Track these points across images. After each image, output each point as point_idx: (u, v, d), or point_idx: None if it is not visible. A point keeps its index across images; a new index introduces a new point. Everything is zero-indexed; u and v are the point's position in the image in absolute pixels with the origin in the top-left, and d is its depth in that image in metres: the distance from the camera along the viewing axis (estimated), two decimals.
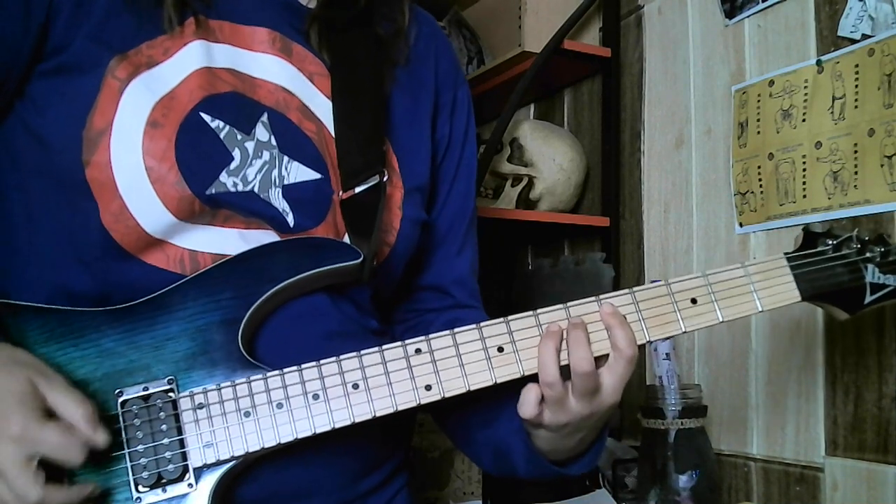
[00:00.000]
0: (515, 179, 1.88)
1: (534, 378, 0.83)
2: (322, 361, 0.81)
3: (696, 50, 1.68)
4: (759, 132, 1.51)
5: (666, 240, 1.74)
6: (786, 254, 0.90)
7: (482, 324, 0.84)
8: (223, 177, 0.83)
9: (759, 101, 1.52)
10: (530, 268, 2.15)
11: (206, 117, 0.84)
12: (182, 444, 0.78)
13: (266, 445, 0.79)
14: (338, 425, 0.80)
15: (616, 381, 0.83)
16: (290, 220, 0.87)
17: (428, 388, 0.82)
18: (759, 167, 1.51)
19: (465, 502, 1.55)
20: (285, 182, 0.87)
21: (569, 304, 0.85)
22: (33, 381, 0.72)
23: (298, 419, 0.79)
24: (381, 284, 0.95)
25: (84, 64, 0.82)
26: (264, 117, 0.88)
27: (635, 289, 0.86)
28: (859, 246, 0.91)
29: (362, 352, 0.82)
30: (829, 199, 1.38)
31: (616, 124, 1.85)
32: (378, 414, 0.81)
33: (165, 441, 0.78)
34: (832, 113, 1.38)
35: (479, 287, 1.07)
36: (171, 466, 0.77)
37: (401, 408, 0.81)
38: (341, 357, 0.81)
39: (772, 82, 1.49)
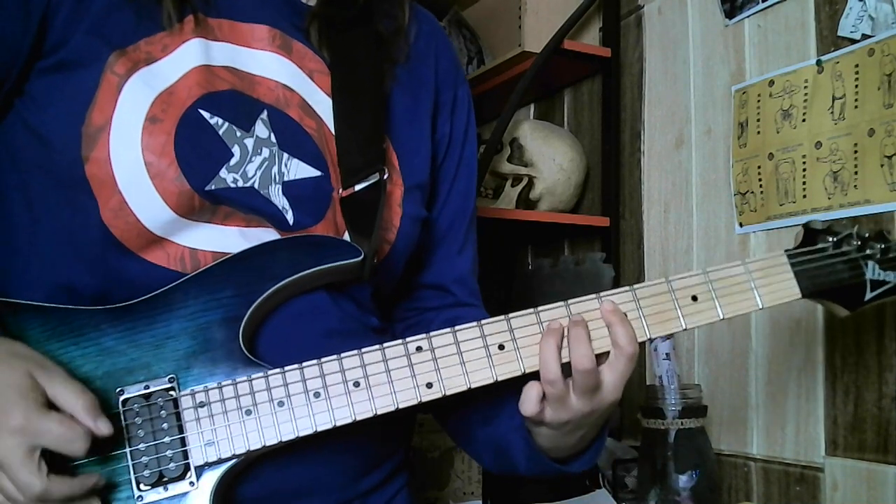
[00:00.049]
0: (515, 179, 1.88)
1: (534, 376, 0.83)
2: (323, 359, 0.81)
3: (696, 50, 1.68)
4: (759, 132, 1.51)
5: (666, 240, 1.74)
6: (786, 251, 0.91)
7: (483, 321, 0.84)
8: (223, 173, 0.84)
9: (759, 101, 1.52)
10: (530, 268, 2.15)
11: (205, 114, 0.84)
12: (183, 442, 0.78)
13: (267, 443, 0.79)
14: (339, 423, 0.80)
15: (617, 379, 0.83)
16: (290, 217, 0.87)
17: (429, 385, 0.82)
18: (759, 167, 1.51)
19: (465, 502, 1.55)
20: (285, 179, 0.87)
21: (570, 301, 0.85)
22: (33, 374, 0.72)
23: (300, 417, 0.79)
24: (382, 282, 0.95)
25: (83, 59, 0.82)
26: (264, 114, 0.88)
27: (636, 286, 0.86)
28: (859, 243, 0.91)
29: (363, 350, 0.82)
30: (829, 199, 1.38)
31: (616, 124, 1.85)
32: (379, 412, 0.81)
33: (167, 439, 0.78)
34: (832, 113, 1.38)
35: (479, 286, 1.07)
36: (172, 465, 0.77)
37: (402, 405, 0.81)
38: (342, 355, 0.81)
39: (772, 82, 1.49)
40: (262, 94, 0.88)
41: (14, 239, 0.85)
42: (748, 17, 1.55)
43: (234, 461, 0.79)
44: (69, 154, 0.81)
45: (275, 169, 0.87)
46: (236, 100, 0.86)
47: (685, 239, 1.69)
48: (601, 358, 0.83)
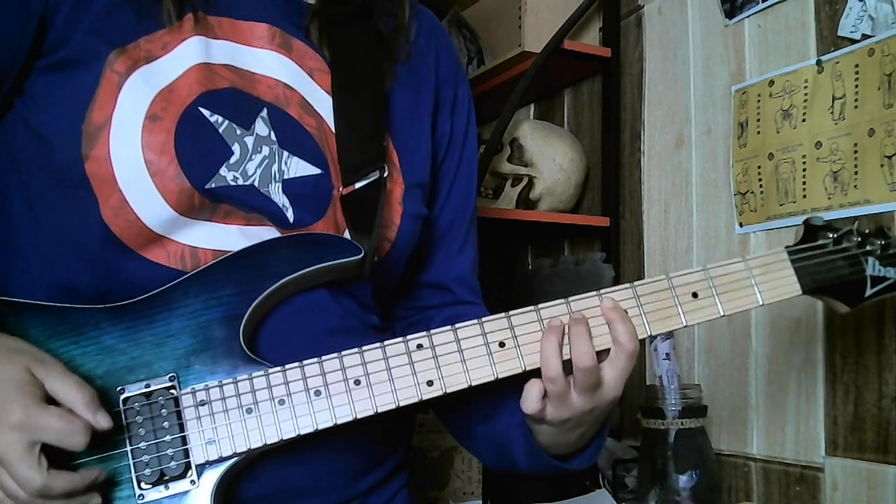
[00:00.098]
0: (515, 179, 1.88)
1: (535, 373, 0.83)
2: (323, 357, 0.81)
3: (696, 50, 1.68)
4: (759, 132, 1.51)
5: (666, 240, 1.74)
6: (786, 247, 0.91)
7: (484, 319, 0.84)
8: (223, 171, 0.84)
9: (759, 101, 1.52)
10: (530, 268, 2.15)
11: (205, 112, 0.84)
12: (184, 440, 0.78)
13: (268, 442, 0.79)
14: (340, 421, 0.80)
15: (617, 376, 0.83)
16: (290, 215, 0.87)
17: (430, 383, 0.82)
18: (759, 167, 1.51)
19: (465, 502, 1.55)
20: (285, 177, 0.87)
21: (570, 298, 0.85)
22: (31, 369, 0.72)
23: (300, 415, 0.79)
24: (383, 280, 0.95)
25: (83, 58, 0.82)
26: (264, 112, 0.88)
27: (636, 283, 0.86)
28: (860, 239, 0.91)
29: (364, 347, 0.82)
30: (829, 199, 1.38)
31: (616, 124, 1.85)
32: (380, 409, 0.81)
33: (167, 438, 0.78)
34: (832, 113, 1.38)
35: (479, 284, 1.07)
36: (173, 463, 0.77)
37: (402, 403, 0.81)
38: (343, 353, 0.81)
39: (772, 82, 1.49)
40: (261, 92, 0.88)
41: (14, 238, 0.85)
42: (748, 17, 1.55)
43: (234, 460, 0.79)
44: (69, 153, 0.81)
45: (275, 167, 0.87)
46: (236, 98, 0.86)
47: (685, 239, 1.69)
48: (602, 355, 0.83)
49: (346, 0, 0.96)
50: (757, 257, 0.89)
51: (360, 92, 0.93)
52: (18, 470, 0.69)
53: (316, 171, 0.89)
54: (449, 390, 0.82)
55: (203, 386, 0.79)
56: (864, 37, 1.33)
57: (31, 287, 0.83)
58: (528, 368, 0.83)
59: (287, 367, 0.80)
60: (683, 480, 1.39)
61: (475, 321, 0.84)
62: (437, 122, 1.03)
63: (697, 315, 0.86)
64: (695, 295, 0.87)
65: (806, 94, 1.43)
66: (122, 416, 0.77)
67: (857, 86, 1.34)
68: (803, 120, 1.43)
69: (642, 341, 0.85)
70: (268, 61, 0.90)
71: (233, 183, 0.84)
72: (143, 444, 0.77)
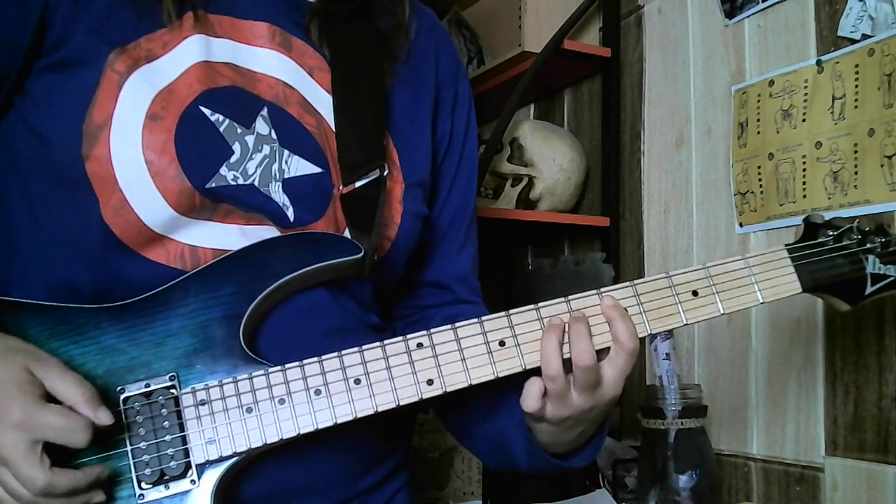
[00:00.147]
0: (515, 179, 1.88)
1: (535, 372, 0.83)
2: (323, 357, 0.81)
3: (696, 50, 1.68)
4: (759, 132, 1.51)
5: (666, 240, 1.74)
6: (786, 245, 0.91)
7: (483, 318, 0.84)
8: (223, 170, 0.83)
9: (759, 101, 1.52)
10: (530, 268, 2.15)
11: (206, 111, 0.84)
12: (184, 440, 0.78)
13: (268, 441, 0.79)
14: (340, 420, 0.80)
15: (617, 374, 0.83)
16: (291, 214, 0.87)
17: (430, 382, 0.82)
18: (759, 167, 1.51)
19: (465, 502, 1.55)
20: (286, 176, 0.87)
21: (570, 297, 0.85)
22: (29, 367, 0.72)
23: (300, 415, 0.79)
24: (383, 279, 0.95)
25: (84, 58, 0.82)
26: (264, 111, 0.88)
27: (636, 282, 0.86)
28: (860, 237, 0.91)
29: (364, 347, 0.82)
30: (829, 199, 1.38)
31: (616, 124, 1.85)
32: (380, 409, 0.80)
33: (167, 438, 0.78)
34: (832, 113, 1.38)
35: (479, 284, 1.07)
36: (173, 463, 0.77)
37: (403, 402, 0.81)
38: (343, 352, 0.81)
39: (772, 82, 1.49)
40: (262, 90, 0.88)
41: (14, 238, 0.85)
42: (748, 17, 1.55)
43: (235, 459, 0.79)
44: (70, 153, 0.81)
45: (275, 166, 0.87)
46: (237, 96, 0.86)
47: (685, 239, 1.69)
48: (602, 354, 0.83)
49: None
50: (757, 255, 0.89)
51: (360, 91, 0.93)
52: (21, 469, 0.69)
53: (316, 169, 0.89)
54: (449, 389, 0.82)
55: (203, 385, 0.79)
56: (864, 37, 1.33)
57: (31, 287, 0.83)
58: (528, 367, 0.83)
59: (287, 366, 0.80)
60: (683, 480, 1.39)
61: (475, 320, 0.84)
62: (438, 121, 1.03)
63: (697, 313, 0.86)
64: (695, 293, 0.87)
65: (806, 94, 1.43)
66: (122, 415, 0.77)
67: (857, 86, 1.34)
68: (803, 120, 1.43)
69: (642, 340, 0.85)
70: (268, 60, 0.90)
71: (233, 182, 0.84)
72: (143, 444, 0.77)
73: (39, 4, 0.81)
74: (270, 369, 0.80)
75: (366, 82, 0.94)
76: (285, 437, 0.79)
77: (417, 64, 1.01)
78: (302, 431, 0.79)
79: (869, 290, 0.91)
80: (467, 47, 2.10)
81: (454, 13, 2.14)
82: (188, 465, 0.77)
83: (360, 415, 0.80)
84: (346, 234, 0.89)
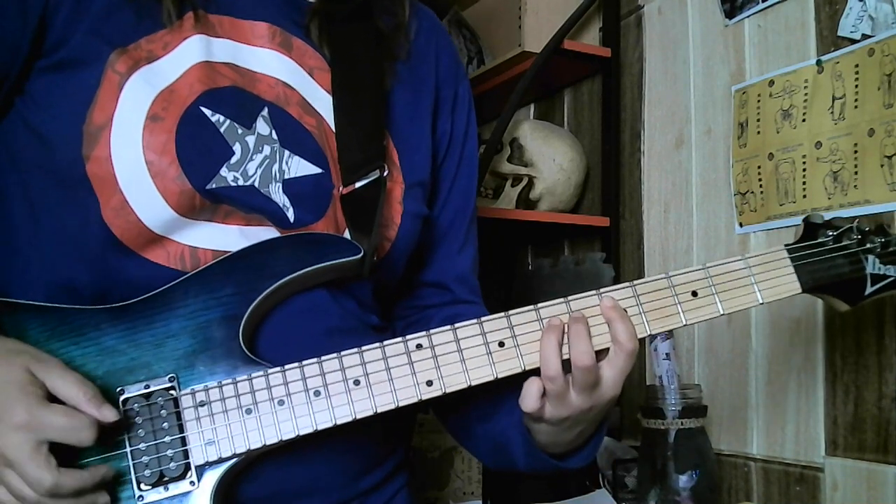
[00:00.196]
0: (515, 179, 1.88)
1: (534, 372, 0.83)
2: (323, 358, 0.81)
3: (696, 50, 1.68)
4: (759, 132, 1.51)
5: (666, 240, 1.74)
6: (786, 245, 0.91)
7: (483, 319, 0.84)
8: (224, 171, 0.83)
9: (759, 101, 1.52)
10: (530, 268, 2.15)
11: (207, 111, 0.84)
12: (184, 441, 0.78)
13: (268, 442, 0.79)
14: (339, 421, 0.80)
15: (616, 375, 0.83)
16: (291, 215, 0.87)
17: (429, 383, 0.82)
18: (759, 167, 1.51)
19: (465, 502, 1.55)
20: (286, 176, 0.87)
21: (569, 298, 0.85)
22: (30, 368, 0.72)
23: (300, 416, 0.79)
24: (383, 279, 0.95)
25: (84, 58, 0.82)
26: (265, 112, 0.88)
27: (636, 282, 0.86)
28: (860, 237, 0.91)
29: (363, 347, 0.82)
30: (829, 199, 1.38)
31: (616, 124, 1.85)
32: (379, 410, 0.80)
33: (167, 439, 0.78)
34: (832, 113, 1.38)
35: (479, 284, 1.07)
36: (172, 464, 0.77)
37: (402, 403, 0.81)
38: (342, 353, 0.81)
39: (772, 82, 1.49)
40: (262, 91, 0.88)
41: (14, 239, 0.85)
42: (748, 17, 1.55)
43: (234, 460, 0.79)
44: (70, 153, 0.81)
45: (275, 167, 0.87)
46: (238, 96, 0.86)
47: (685, 239, 1.69)
48: (601, 354, 0.83)
49: None
50: (757, 255, 0.89)
51: (361, 91, 0.93)
52: (28, 470, 0.69)
53: (316, 170, 0.89)
54: (448, 390, 0.82)
55: (202, 387, 0.79)
56: (864, 37, 1.33)
57: (31, 287, 0.83)
58: (527, 368, 0.83)
59: (286, 367, 0.80)
60: (683, 480, 1.39)
61: (475, 321, 0.84)
62: (438, 121, 1.03)
63: (697, 314, 0.86)
64: (694, 294, 0.87)
65: (806, 94, 1.43)
66: (122, 416, 0.77)
67: (857, 86, 1.34)
68: (803, 120, 1.43)
69: (642, 341, 0.85)
70: (268, 60, 0.90)
71: (233, 183, 0.84)
72: (142, 445, 0.77)
73: (39, 5, 0.81)
74: (270, 370, 0.80)
75: (366, 82, 0.94)
76: (284, 438, 0.79)
77: (417, 64, 1.01)
78: (301, 432, 0.79)
79: (869, 290, 0.91)
80: (467, 47, 2.10)
81: (454, 13, 2.14)
82: (188, 467, 0.77)
83: (359, 416, 0.80)
84: (346, 234, 0.89)
